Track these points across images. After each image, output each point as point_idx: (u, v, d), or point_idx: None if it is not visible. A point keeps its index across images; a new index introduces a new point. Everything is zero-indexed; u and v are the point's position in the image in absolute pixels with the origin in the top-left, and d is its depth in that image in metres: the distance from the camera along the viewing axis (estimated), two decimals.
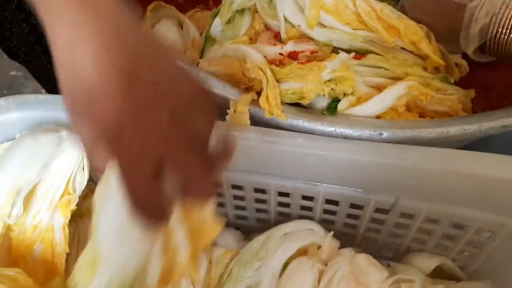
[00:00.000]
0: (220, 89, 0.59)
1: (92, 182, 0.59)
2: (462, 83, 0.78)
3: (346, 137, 0.57)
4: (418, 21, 0.66)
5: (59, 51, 0.37)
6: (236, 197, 0.67)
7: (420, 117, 0.65)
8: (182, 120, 0.38)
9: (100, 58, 0.35)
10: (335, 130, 0.57)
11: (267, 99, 0.57)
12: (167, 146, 0.37)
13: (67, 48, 0.36)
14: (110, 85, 0.35)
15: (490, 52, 0.65)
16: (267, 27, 0.68)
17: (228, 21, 0.68)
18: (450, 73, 0.72)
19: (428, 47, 0.65)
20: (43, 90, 1.07)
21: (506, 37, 0.62)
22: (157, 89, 0.37)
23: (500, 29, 0.61)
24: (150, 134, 0.36)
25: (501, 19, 0.61)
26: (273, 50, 0.64)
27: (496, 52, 0.64)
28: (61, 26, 0.36)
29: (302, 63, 0.60)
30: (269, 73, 0.58)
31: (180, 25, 0.84)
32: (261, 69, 0.58)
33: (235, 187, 0.65)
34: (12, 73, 1.37)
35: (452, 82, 0.68)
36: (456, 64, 0.72)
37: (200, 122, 0.39)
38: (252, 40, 0.67)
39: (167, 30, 0.81)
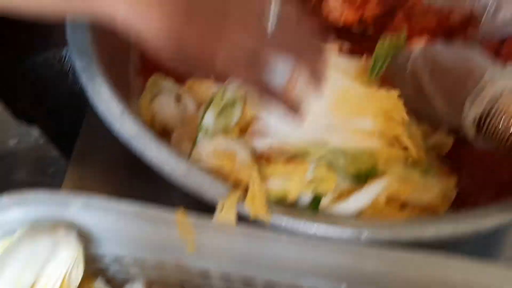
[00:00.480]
0: (208, 185, 0.62)
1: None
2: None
3: (327, 237, 0.60)
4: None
5: None
6: None
7: (401, 208, 0.68)
8: None
9: None
10: (316, 230, 0.60)
11: (252, 199, 0.60)
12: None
13: None
14: None
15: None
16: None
17: (220, 113, 0.71)
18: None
19: (408, 140, 0.68)
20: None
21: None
22: None
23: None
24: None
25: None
26: (261, 144, 0.67)
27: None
28: None
29: (288, 161, 0.64)
30: (255, 174, 0.61)
31: (179, 99, 0.88)
32: (248, 169, 0.62)
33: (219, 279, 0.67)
34: None
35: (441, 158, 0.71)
36: None
37: None
38: (242, 131, 0.70)
39: (165, 105, 0.85)
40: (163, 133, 0.88)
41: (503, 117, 0.61)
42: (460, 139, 0.81)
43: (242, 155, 0.63)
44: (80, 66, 0.73)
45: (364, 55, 0.81)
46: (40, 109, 1.04)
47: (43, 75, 1.00)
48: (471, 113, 0.64)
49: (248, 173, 0.62)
